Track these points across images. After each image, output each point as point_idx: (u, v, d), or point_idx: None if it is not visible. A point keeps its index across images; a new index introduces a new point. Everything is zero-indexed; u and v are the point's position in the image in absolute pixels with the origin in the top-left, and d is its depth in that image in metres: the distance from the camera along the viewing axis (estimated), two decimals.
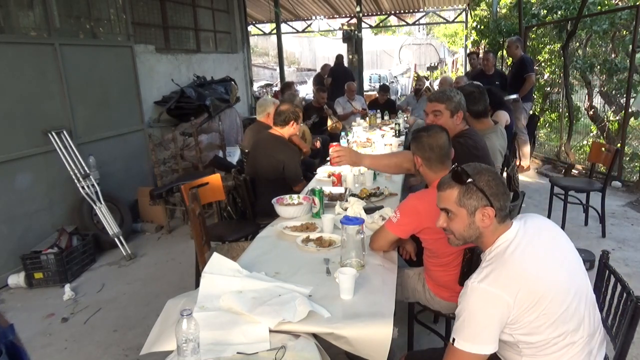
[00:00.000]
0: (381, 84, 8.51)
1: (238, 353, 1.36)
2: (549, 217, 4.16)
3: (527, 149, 6.21)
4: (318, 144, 5.31)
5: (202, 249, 2.68)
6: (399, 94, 16.18)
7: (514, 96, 5.87)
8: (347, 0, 12.90)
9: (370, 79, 17.15)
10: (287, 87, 6.92)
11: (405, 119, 6.13)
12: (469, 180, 1.39)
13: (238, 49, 8.77)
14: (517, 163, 5.84)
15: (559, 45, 7.11)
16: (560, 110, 7.26)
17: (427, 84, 8.78)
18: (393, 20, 17.41)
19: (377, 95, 7.57)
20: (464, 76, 7.30)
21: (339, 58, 9.15)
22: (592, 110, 7.24)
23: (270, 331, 1.45)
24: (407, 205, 1.97)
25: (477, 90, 3.12)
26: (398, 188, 3.13)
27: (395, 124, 5.39)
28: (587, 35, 7.23)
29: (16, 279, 3.62)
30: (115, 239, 4.11)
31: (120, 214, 4.54)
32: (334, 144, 2.89)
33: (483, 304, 1.29)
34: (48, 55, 4.16)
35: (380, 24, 18.45)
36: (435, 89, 7.94)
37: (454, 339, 1.33)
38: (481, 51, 10.10)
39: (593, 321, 1.39)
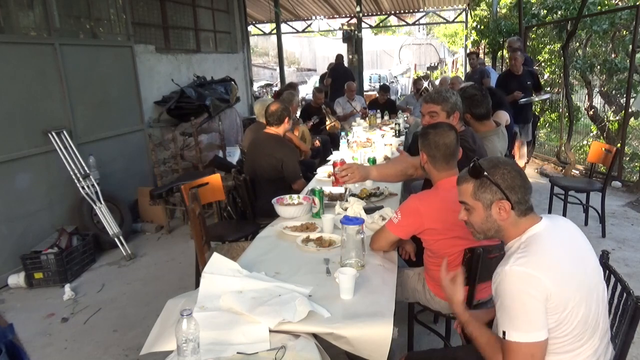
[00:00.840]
0: (381, 84, 8.50)
1: (238, 353, 1.36)
2: None
3: (524, 149, 6.21)
4: (318, 143, 5.30)
5: (202, 249, 2.68)
6: (399, 94, 16.19)
7: (546, 96, 5.64)
8: (347, 0, 12.90)
9: (370, 79, 17.17)
10: (290, 89, 6.85)
11: (406, 118, 6.12)
12: (484, 174, 1.39)
13: (238, 49, 8.77)
14: None
15: (559, 45, 7.11)
16: (560, 110, 7.26)
17: (425, 84, 8.76)
18: (393, 20, 17.43)
19: (378, 95, 7.57)
20: (458, 77, 7.20)
21: (339, 58, 9.14)
22: (592, 110, 7.24)
23: (270, 331, 1.45)
24: (409, 206, 1.97)
25: (479, 93, 3.12)
26: (398, 188, 3.12)
27: (395, 124, 5.39)
28: (587, 35, 7.23)
29: (16, 279, 3.62)
30: (115, 239, 4.11)
31: (120, 214, 4.54)
32: (338, 162, 2.64)
33: (524, 287, 1.25)
34: (48, 55, 4.17)
35: (380, 24, 18.45)
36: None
37: (504, 333, 1.28)
38: (481, 51, 10.10)
39: (604, 327, 1.39)
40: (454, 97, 2.60)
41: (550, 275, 1.25)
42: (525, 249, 1.33)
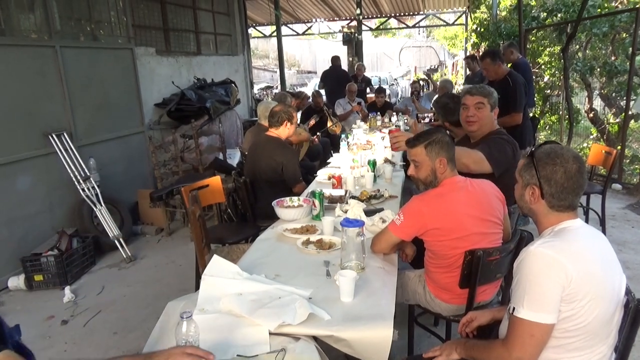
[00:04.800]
0: (377, 87, 8.48)
1: (238, 355, 1.36)
2: None
3: None
4: (317, 140, 5.29)
5: (202, 251, 2.67)
6: (399, 96, 16.20)
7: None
8: (347, 3, 12.93)
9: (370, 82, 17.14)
10: (297, 96, 6.80)
11: (406, 120, 6.12)
12: (532, 157, 1.42)
13: (238, 51, 8.78)
14: None
15: (559, 48, 7.12)
16: (560, 112, 7.26)
17: (422, 85, 8.77)
18: (393, 22, 17.42)
19: (375, 98, 7.55)
20: (449, 80, 7.05)
21: (333, 60, 8.70)
22: (592, 112, 7.25)
23: (270, 334, 1.45)
24: (411, 208, 1.96)
25: (451, 101, 3.15)
26: (398, 190, 3.13)
27: (395, 126, 5.39)
28: (587, 37, 7.24)
29: (16, 282, 3.62)
30: (116, 242, 4.11)
31: (121, 216, 4.54)
32: (394, 129, 2.95)
33: (545, 268, 1.27)
34: (49, 57, 4.17)
35: (381, 27, 18.47)
36: (435, 91, 7.92)
37: (513, 309, 1.31)
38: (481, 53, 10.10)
39: (615, 340, 1.40)
40: (495, 93, 2.70)
41: (574, 263, 1.27)
42: (556, 235, 1.36)
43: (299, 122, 5.88)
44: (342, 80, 7.86)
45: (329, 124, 6.46)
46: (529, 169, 1.43)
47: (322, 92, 8.83)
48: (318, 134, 5.56)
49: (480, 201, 1.98)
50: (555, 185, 1.38)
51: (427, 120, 5.68)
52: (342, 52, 10.73)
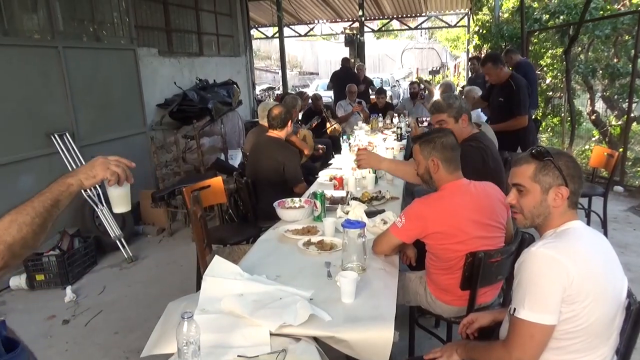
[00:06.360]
0: (377, 87, 8.51)
1: (239, 356, 1.36)
2: None
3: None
4: (321, 151, 5.29)
5: (203, 251, 2.68)
6: (401, 97, 16.20)
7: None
8: (350, 4, 12.94)
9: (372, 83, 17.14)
10: (300, 96, 6.80)
11: (407, 122, 6.11)
12: (548, 157, 1.38)
13: (240, 52, 8.80)
14: None
15: (561, 50, 7.12)
16: (562, 114, 7.25)
17: (422, 86, 8.75)
18: (395, 24, 17.43)
19: (375, 99, 7.55)
20: (449, 83, 6.97)
21: (343, 61, 8.97)
22: (594, 114, 7.23)
23: (271, 334, 1.45)
24: (413, 210, 1.96)
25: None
26: (400, 192, 3.12)
27: (397, 127, 5.39)
28: (589, 40, 7.23)
29: (17, 281, 3.63)
30: (117, 242, 4.11)
31: (122, 217, 4.54)
32: (362, 147, 3.04)
33: (546, 269, 1.26)
34: (51, 58, 4.18)
35: (383, 28, 18.48)
36: (435, 93, 7.89)
37: (514, 309, 1.30)
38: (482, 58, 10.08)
39: (617, 342, 1.39)
40: (457, 101, 2.64)
41: (576, 263, 1.26)
42: (557, 237, 1.35)
43: (300, 123, 5.92)
44: (351, 81, 7.89)
45: (328, 125, 6.47)
46: (550, 171, 1.37)
47: (331, 92, 8.86)
48: (322, 146, 5.54)
49: (482, 205, 1.97)
50: (577, 181, 1.38)
51: (425, 124, 5.69)
52: (344, 53, 10.73)
